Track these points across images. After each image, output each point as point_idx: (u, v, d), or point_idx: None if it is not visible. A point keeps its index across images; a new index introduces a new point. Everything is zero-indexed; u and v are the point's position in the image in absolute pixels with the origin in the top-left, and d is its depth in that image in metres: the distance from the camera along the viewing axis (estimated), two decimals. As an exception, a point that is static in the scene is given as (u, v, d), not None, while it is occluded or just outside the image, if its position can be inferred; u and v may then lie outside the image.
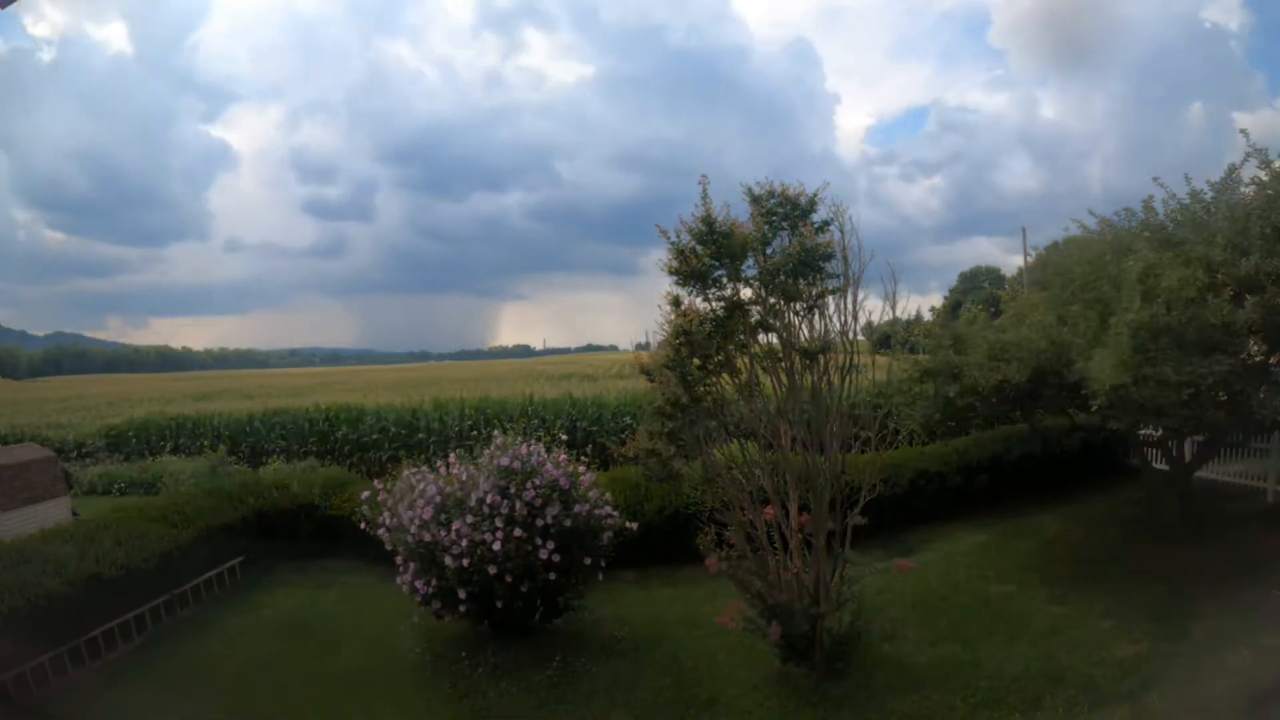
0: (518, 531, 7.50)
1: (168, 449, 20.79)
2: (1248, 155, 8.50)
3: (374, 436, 19.31)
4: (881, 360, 9.28)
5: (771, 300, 7.14)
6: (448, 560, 7.59)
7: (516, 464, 7.84)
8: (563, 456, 8.38)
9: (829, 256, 6.88)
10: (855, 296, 7.00)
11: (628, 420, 17.38)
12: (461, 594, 7.60)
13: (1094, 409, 8.03)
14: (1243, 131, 8.51)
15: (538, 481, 7.77)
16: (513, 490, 7.72)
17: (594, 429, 17.88)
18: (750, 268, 7.11)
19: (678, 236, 6.98)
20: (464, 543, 7.52)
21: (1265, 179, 8.33)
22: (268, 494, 11.82)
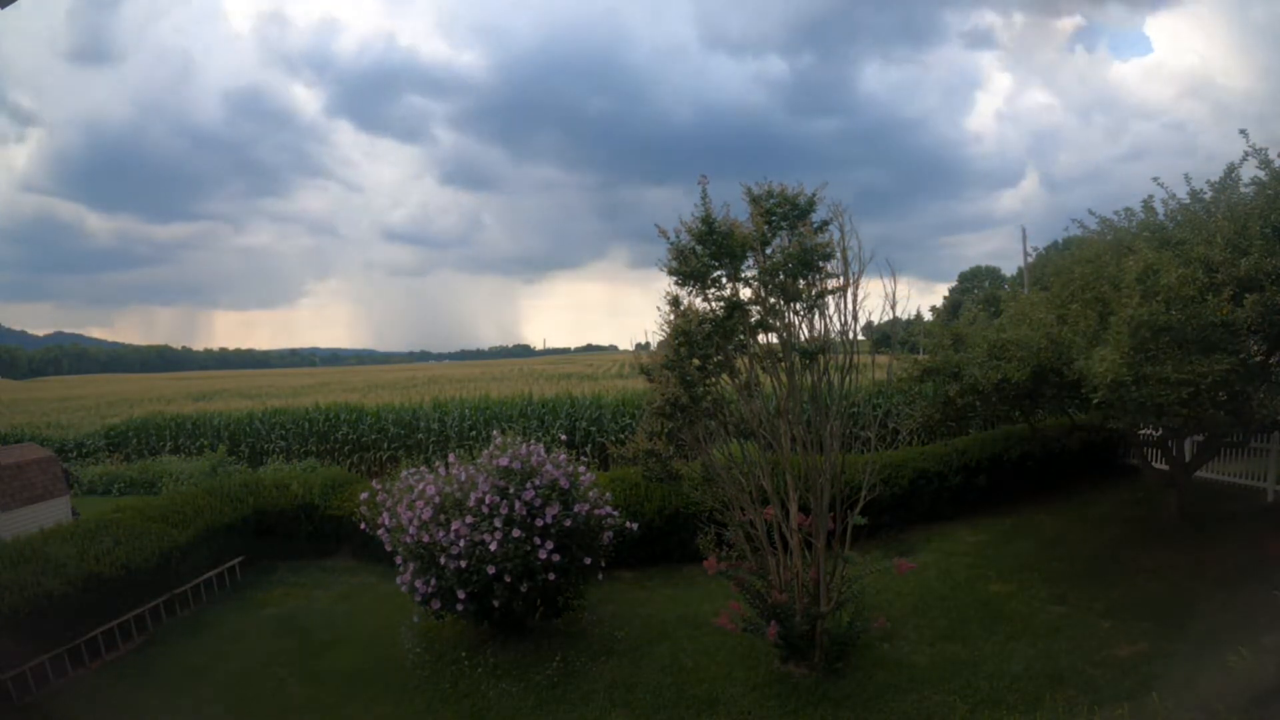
0: (516, 532, 7.49)
1: (168, 449, 20.86)
2: (1246, 155, 8.51)
3: (374, 436, 19.34)
4: (882, 360, 9.30)
5: (771, 300, 7.14)
6: (446, 561, 7.59)
7: (516, 464, 7.83)
8: (563, 456, 8.37)
9: (828, 256, 6.87)
10: (855, 296, 7.00)
11: (627, 420, 17.40)
12: (460, 594, 7.58)
13: (1095, 404, 8.03)
14: (1242, 131, 8.52)
15: (537, 481, 7.76)
16: (512, 490, 7.72)
17: (593, 429, 17.90)
18: (750, 267, 7.12)
19: (677, 236, 6.99)
20: (462, 543, 7.52)
21: (1265, 179, 8.33)
22: (268, 494, 11.80)
